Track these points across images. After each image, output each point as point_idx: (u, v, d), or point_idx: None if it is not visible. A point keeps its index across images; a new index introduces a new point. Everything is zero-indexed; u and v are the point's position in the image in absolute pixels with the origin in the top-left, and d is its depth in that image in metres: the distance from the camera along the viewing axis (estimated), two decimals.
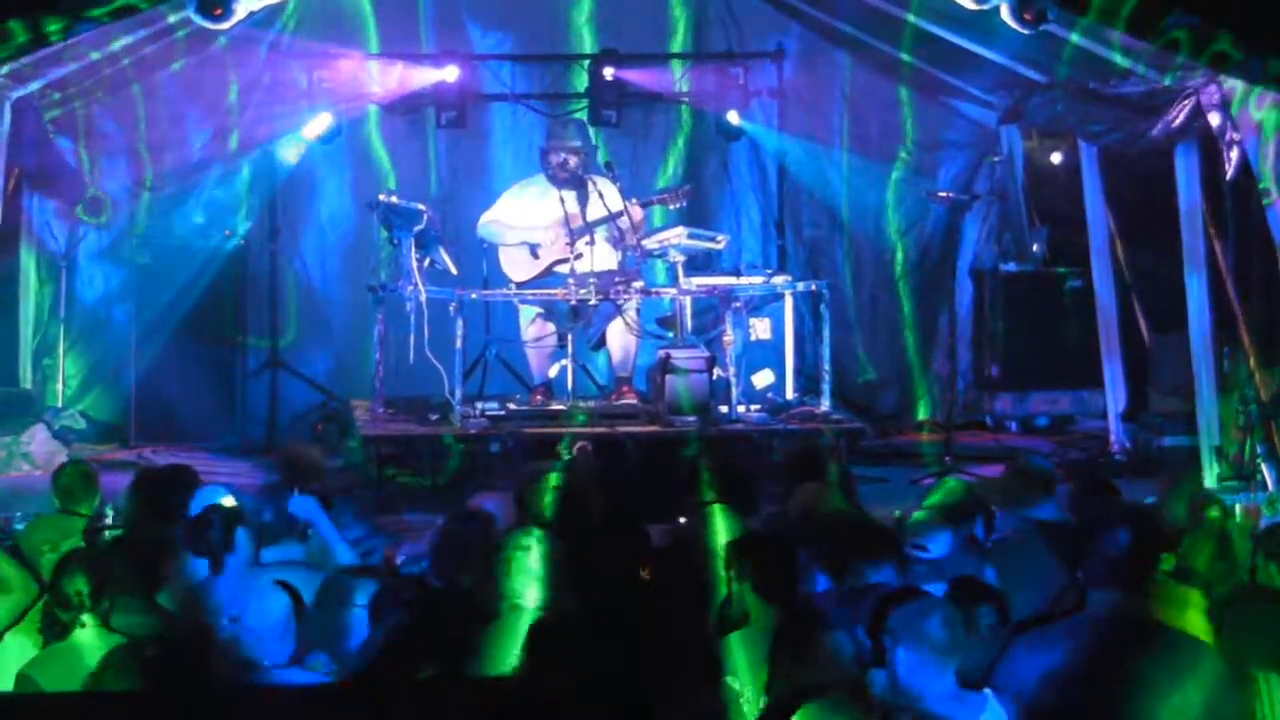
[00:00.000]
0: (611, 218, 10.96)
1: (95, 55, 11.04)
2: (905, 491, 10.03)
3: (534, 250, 11.17)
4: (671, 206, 11.57)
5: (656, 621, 5.55)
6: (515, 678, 5.03)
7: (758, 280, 11.61)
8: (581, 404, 11.02)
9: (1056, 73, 11.32)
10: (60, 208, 12.64)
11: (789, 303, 11.75)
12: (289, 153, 12.68)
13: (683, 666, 5.14)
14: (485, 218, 11.46)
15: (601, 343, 11.34)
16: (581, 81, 13.06)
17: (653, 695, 4.53)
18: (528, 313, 11.31)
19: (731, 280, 11.47)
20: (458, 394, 10.71)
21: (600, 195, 10.98)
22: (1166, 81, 10.14)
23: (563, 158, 11.19)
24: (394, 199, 11.06)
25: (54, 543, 5.86)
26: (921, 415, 13.26)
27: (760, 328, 11.70)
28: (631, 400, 11.15)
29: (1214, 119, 9.79)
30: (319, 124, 12.63)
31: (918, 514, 6.34)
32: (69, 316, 12.69)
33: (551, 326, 11.24)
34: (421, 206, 10.92)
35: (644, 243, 11.07)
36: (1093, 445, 12.15)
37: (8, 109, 10.49)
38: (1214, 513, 6.56)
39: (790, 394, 11.65)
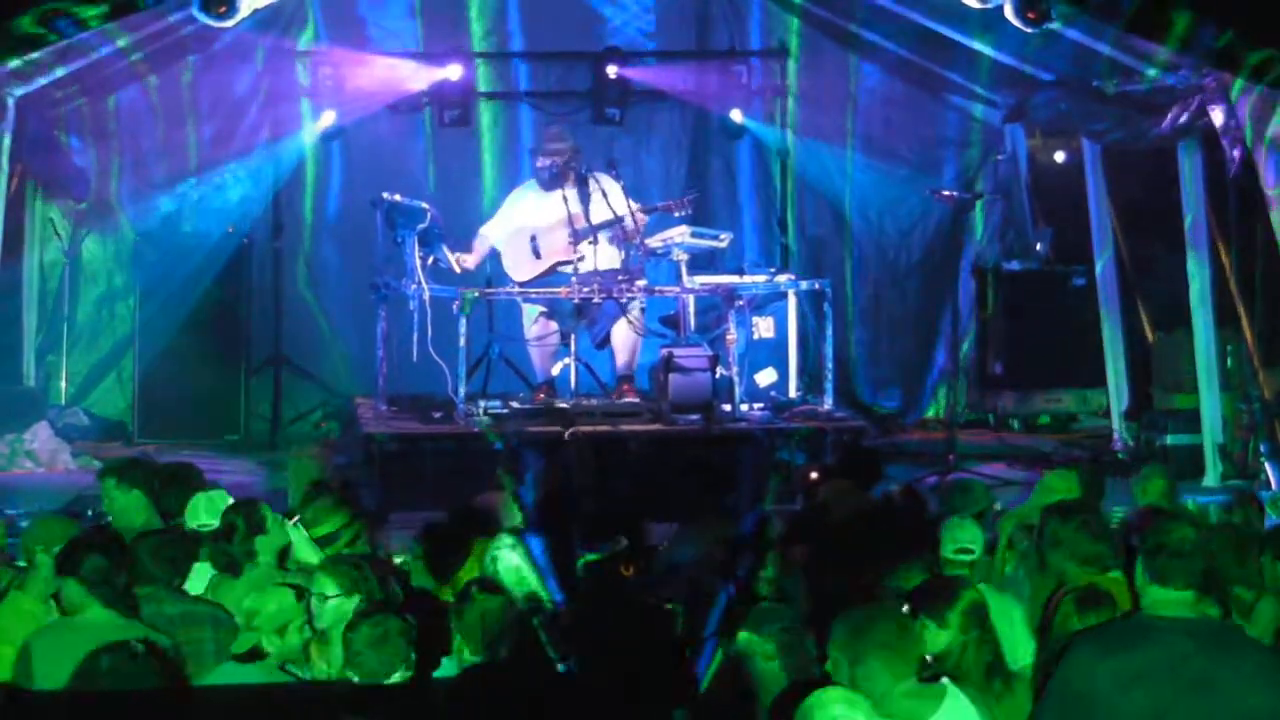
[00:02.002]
0: (615, 221, 10.93)
1: (100, 53, 11.05)
2: None
3: (536, 250, 11.16)
4: (676, 214, 11.54)
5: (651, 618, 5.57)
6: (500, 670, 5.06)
7: (761, 279, 11.61)
8: (585, 402, 11.02)
9: (1060, 71, 11.31)
10: (64, 205, 12.64)
11: (792, 301, 11.73)
12: (292, 150, 12.70)
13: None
14: (483, 231, 11.47)
15: (606, 341, 11.32)
16: (585, 80, 13.05)
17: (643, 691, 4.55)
18: (531, 311, 11.31)
19: (735, 279, 11.47)
20: (461, 392, 10.71)
21: (604, 193, 10.97)
22: (1170, 80, 10.13)
23: (549, 160, 11.19)
24: (397, 197, 11.05)
25: (48, 544, 5.84)
26: (924, 413, 13.25)
27: (763, 326, 11.69)
28: (633, 399, 11.14)
29: (1217, 117, 9.78)
30: (322, 122, 12.65)
31: (958, 518, 6.30)
32: (72, 314, 12.70)
33: (554, 325, 11.23)
34: (425, 205, 10.92)
35: (647, 242, 11.07)
36: (1096, 444, 12.14)
37: (12, 107, 10.50)
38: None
39: (793, 392, 11.64)
